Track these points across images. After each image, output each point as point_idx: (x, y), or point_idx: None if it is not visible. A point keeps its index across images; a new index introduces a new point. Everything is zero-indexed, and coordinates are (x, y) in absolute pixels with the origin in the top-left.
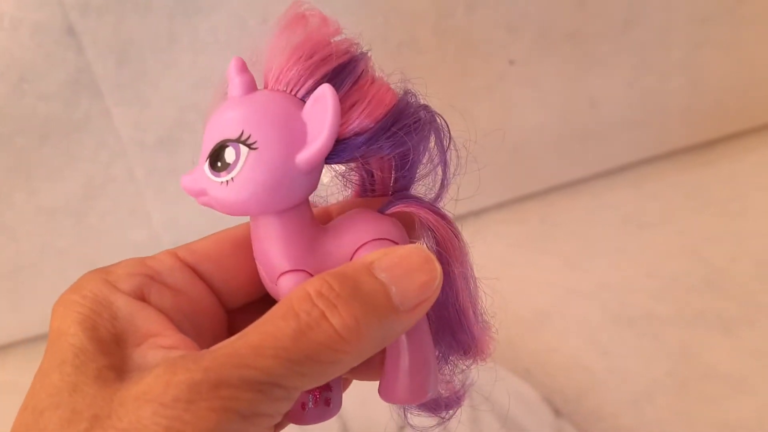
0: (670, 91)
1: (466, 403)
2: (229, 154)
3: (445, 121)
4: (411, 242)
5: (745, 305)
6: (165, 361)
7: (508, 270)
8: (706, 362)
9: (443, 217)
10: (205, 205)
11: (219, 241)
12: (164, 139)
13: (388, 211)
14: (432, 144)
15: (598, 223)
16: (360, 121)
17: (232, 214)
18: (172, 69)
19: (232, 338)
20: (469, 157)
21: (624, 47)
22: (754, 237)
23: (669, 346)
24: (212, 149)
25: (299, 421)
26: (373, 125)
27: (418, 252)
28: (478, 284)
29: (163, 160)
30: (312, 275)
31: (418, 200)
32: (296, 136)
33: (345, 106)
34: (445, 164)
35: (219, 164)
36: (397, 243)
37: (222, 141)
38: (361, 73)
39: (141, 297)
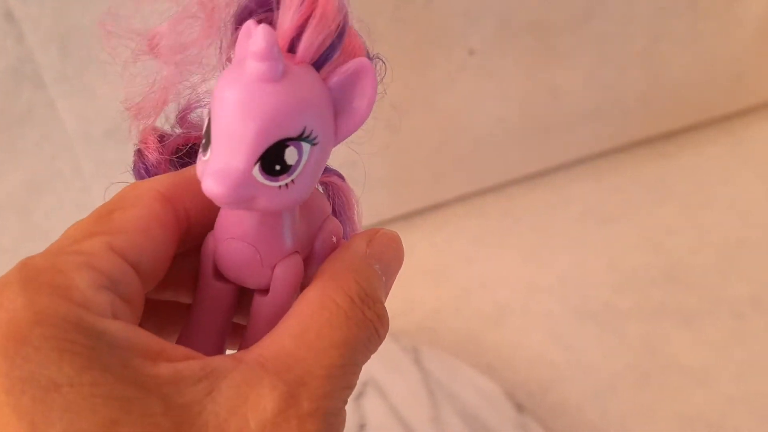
0: (630, 82)
1: (427, 400)
2: (291, 155)
3: (385, 69)
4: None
5: (706, 298)
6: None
7: (469, 264)
8: (667, 355)
9: (341, 178)
10: (244, 209)
11: (144, 218)
12: (112, 132)
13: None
14: None
15: (559, 216)
16: None
17: (270, 212)
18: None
19: (296, 352)
20: (430, 150)
21: (584, 39)
22: (715, 229)
23: (631, 339)
24: (265, 151)
25: None
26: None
27: (395, 239)
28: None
29: (112, 153)
30: (300, 254)
31: (327, 169)
32: (332, 116)
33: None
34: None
35: (278, 168)
36: (331, 216)
37: (278, 141)
38: (348, 28)
39: (114, 315)
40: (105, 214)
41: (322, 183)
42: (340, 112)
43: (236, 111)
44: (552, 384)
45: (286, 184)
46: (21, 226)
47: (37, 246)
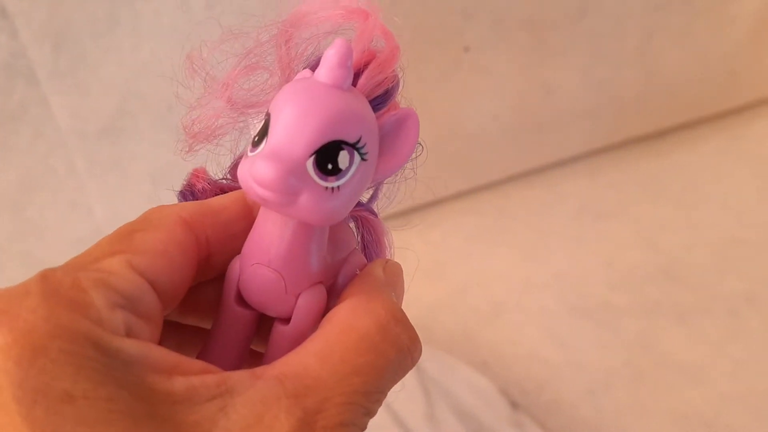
0: (624, 80)
1: (422, 397)
2: (343, 159)
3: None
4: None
5: (701, 295)
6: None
7: (465, 261)
8: (662, 352)
9: (373, 214)
10: (281, 207)
11: (164, 242)
12: (106, 129)
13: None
14: None
15: (555, 214)
16: None
17: (310, 223)
18: (112, 54)
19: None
20: (425, 147)
21: (579, 36)
22: (709, 226)
23: (626, 336)
24: (322, 146)
25: None
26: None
27: (401, 270)
28: None
29: (105, 150)
30: (324, 285)
31: (359, 204)
32: (378, 148)
33: None
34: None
35: (330, 167)
36: (357, 249)
37: (337, 140)
38: (398, 91)
39: (129, 334)
40: (127, 234)
41: (352, 217)
42: (383, 153)
43: (302, 106)
44: (547, 381)
45: (332, 189)
46: (14, 224)
47: (30, 244)
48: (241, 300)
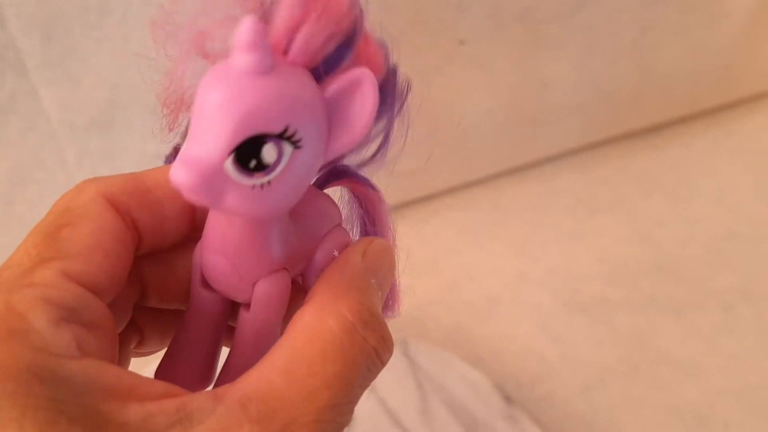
0: (619, 74)
1: (415, 392)
2: (269, 153)
3: (408, 87)
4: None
5: (695, 290)
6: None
7: (458, 256)
8: (657, 347)
9: (374, 188)
10: (212, 207)
11: (94, 234)
12: (97, 121)
13: (327, 188)
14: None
15: (548, 208)
16: None
17: (247, 218)
18: (103, 45)
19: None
20: (418, 142)
21: (574, 29)
22: (704, 221)
23: (621, 332)
24: (241, 143)
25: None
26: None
27: (389, 249)
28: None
29: (96, 143)
30: (288, 270)
31: (351, 174)
32: (325, 126)
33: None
34: (389, 130)
35: (253, 164)
36: (341, 224)
37: (257, 134)
38: (359, 35)
39: (80, 353)
40: (53, 232)
41: (349, 192)
42: (336, 125)
43: (216, 101)
44: (541, 376)
45: (261, 185)
46: (3, 217)
47: (19, 239)
48: (206, 283)
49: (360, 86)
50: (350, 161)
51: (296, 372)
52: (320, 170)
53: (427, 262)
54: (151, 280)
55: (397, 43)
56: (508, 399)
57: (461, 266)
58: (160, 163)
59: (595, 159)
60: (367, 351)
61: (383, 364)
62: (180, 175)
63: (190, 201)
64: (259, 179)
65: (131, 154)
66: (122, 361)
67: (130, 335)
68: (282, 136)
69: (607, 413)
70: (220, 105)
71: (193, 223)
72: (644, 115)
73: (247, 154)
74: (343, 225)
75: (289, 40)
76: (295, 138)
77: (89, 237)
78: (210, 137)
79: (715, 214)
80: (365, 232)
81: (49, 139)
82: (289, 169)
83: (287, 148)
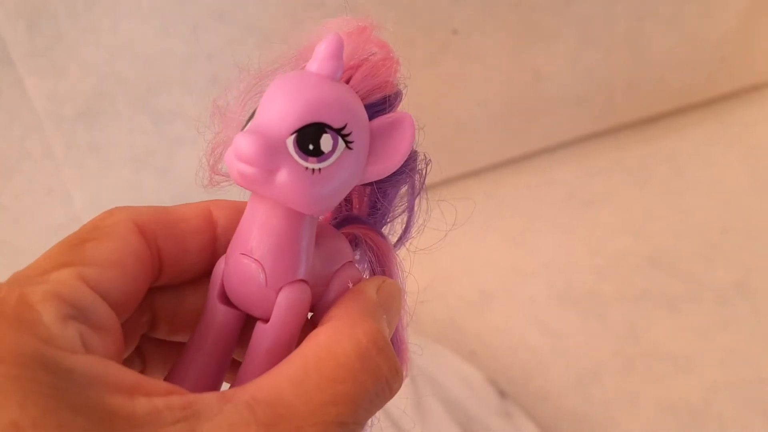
0: (614, 65)
1: (409, 386)
2: (326, 142)
3: (427, 168)
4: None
5: (689, 283)
6: None
7: (451, 249)
8: (651, 341)
9: (383, 237)
10: (252, 187)
11: (117, 251)
12: (83, 112)
13: (343, 229)
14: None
15: (543, 200)
16: None
17: (289, 205)
18: (90, 35)
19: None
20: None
21: (568, 19)
22: (698, 214)
23: (614, 325)
24: (304, 126)
25: None
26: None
27: (400, 290)
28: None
29: (83, 134)
30: (308, 284)
31: (364, 221)
32: (368, 147)
33: None
34: (412, 210)
35: (311, 147)
36: (353, 262)
37: (320, 122)
38: (398, 103)
39: (83, 349)
40: (78, 243)
41: (359, 236)
42: (374, 153)
43: (289, 88)
44: (535, 370)
45: (313, 170)
46: None
47: (5, 232)
48: (225, 298)
49: (401, 124)
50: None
51: (306, 385)
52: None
53: (420, 255)
54: (161, 311)
55: (390, 31)
56: (502, 394)
57: (455, 259)
58: (151, 155)
59: (589, 151)
60: (377, 376)
61: (392, 393)
62: (244, 144)
63: (244, 178)
64: (312, 163)
65: (119, 146)
66: None
67: (134, 362)
68: (340, 132)
69: (601, 407)
70: (293, 92)
71: (213, 261)
72: (639, 107)
73: (308, 137)
74: (355, 264)
75: (352, 74)
76: (350, 138)
77: (112, 253)
78: (279, 116)
79: (710, 206)
80: (373, 274)
81: (34, 130)
82: (339, 164)
83: (341, 144)
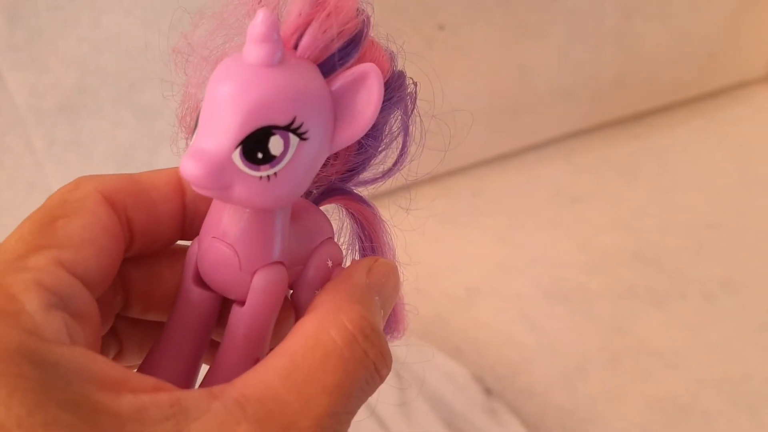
0: (602, 60)
1: (394, 384)
2: (276, 145)
3: (416, 89)
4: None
5: (676, 279)
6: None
7: (438, 246)
8: (637, 337)
9: (369, 205)
10: (220, 198)
11: (89, 228)
12: (65, 106)
13: (324, 202)
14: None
15: (530, 197)
16: None
17: (256, 209)
18: (71, 29)
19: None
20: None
21: (556, 14)
22: (684, 210)
23: (601, 321)
24: (248, 135)
25: None
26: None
27: (394, 269)
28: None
29: (64, 129)
30: (285, 266)
31: (345, 191)
32: (331, 118)
33: None
34: (406, 135)
35: (261, 156)
36: (332, 239)
37: (264, 126)
38: (365, 37)
39: (69, 339)
40: (48, 222)
41: (345, 209)
42: (341, 117)
43: (224, 94)
44: (521, 367)
45: (268, 176)
46: None
47: None
48: (200, 280)
49: (365, 80)
50: (374, 170)
51: (296, 377)
52: (322, 167)
53: (406, 251)
54: (135, 288)
55: (375, 26)
56: (488, 391)
57: (441, 256)
58: (133, 150)
59: (577, 147)
60: (366, 364)
61: (381, 379)
62: (190, 168)
63: (198, 193)
64: (265, 171)
65: (102, 141)
66: None
67: (109, 344)
68: (289, 128)
69: (587, 403)
70: (229, 98)
71: (183, 228)
72: (627, 103)
73: (255, 146)
74: (335, 239)
75: (299, 36)
76: (302, 130)
77: (84, 230)
78: (219, 130)
79: (697, 203)
80: (362, 249)
81: (15, 124)
82: (295, 160)
83: (293, 140)
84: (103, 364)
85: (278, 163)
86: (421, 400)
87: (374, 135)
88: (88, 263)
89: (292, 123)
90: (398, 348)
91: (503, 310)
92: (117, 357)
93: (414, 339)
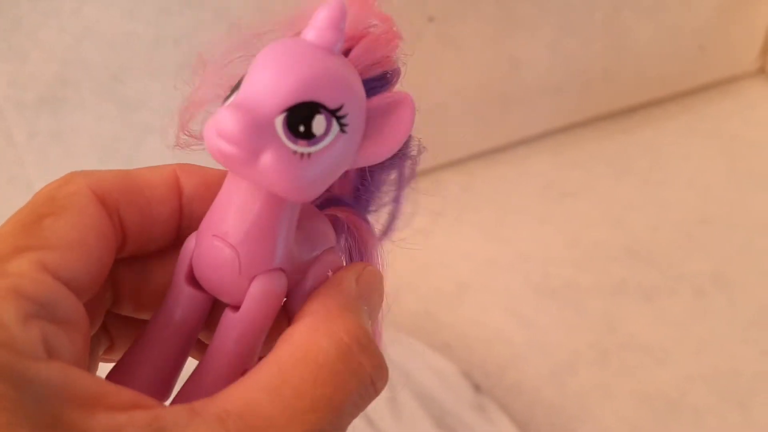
0: (592, 54)
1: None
2: (318, 125)
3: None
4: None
5: (666, 274)
6: None
7: (427, 241)
8: (627, 333)
9: (367, 222)
10: (232, 167)
11: (78, 228)
12: (46, 98)
13: (326, 211)
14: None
15: (519, 191)
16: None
17: (271, 189)
18: (52, 18)
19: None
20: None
21: (546, 7)
22: (675, 205)
23: (591, 317)
24: (296, 105)
25: None
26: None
27: (380, 278)
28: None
29: (46, 121)
30: (285, 273)
31: (348, 203)
32: (363, 129)
33: None
34: (399, 200)
35: (302, 129)
36: (335, 248)
37: (314, 102)
38: (397, 79)
39: (47, 353)
40: (34, 220)
41: (339, 219)
42: (369, 136)
43: (280, 60)
44: (510, 363)
45: (302, 154)
46: None
47: None
48: (192, 279)
49: (400, 107)
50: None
51: (282, 392)
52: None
53: (395, 246)
54: (126, 286)
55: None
56: (477, 387)
57: (430, 251)
58: (116, 144)
59: (567, 142)
60: (361, 377)
61: (377, 392)
62: (228, 119)
63: (224, 157)
64: (302, 147)
65: (84, 134)
66: (90, 365)
67: (100, 340)
68: (335, 113)
69: (577, 400)
70: (288, 65)
71: (179, 230)
72: (617, 97)
73: (300, 117)
74: (337, 250)
75: (351, 46)
76: (345, 121)
77: (73, 230)
78: (268, 91)
79: (687, 198)
80: (351, 260)
81: None
82: (330, 148)
83: (335, 127)
84: (80, 380)
85: (316, 143)
86: (409, 397)
87: (373, 179)
88: (76, 266)
89: (339, 109)
90: (387, 344)
91: (493, 306)
92: (108, 351)
93: (403, 335)
